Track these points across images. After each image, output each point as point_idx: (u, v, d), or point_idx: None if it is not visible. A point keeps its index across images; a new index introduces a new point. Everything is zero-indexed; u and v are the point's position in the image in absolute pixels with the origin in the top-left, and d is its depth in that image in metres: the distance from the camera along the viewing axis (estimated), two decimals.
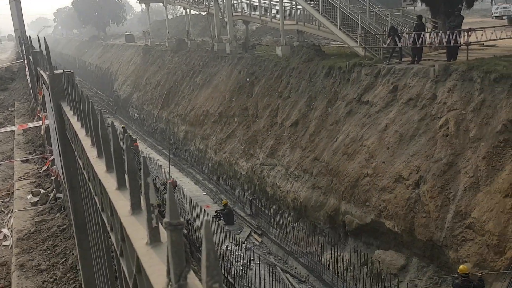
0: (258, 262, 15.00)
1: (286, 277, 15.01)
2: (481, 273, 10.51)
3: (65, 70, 3.78)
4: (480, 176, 11.70)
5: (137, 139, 31.89)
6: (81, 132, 2.71)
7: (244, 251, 16.61)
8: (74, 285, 5.92)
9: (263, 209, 20.05)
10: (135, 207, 1.27)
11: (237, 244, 17.32)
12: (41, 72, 5.76)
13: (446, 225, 11.88)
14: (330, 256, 15.31)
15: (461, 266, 10.34)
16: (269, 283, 13.26)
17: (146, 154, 28.93)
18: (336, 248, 15.76)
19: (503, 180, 11.12)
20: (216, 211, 19.97)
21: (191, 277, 0.85)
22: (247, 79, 26.01)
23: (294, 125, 20.82)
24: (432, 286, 12.33)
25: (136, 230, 1.15)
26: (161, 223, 0.96)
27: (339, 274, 14.29)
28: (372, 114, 16.63)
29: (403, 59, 17.85)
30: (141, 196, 1.17)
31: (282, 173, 20.13)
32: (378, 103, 16.61)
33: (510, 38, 16.36)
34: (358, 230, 15.26)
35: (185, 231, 16.15)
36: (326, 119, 19.09)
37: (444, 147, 13.08)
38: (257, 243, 17.87)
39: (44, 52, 5.04)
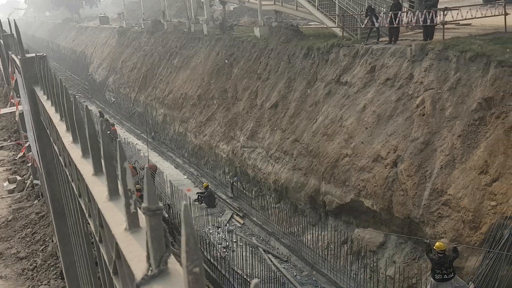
0: (241, 244, 15.15)
1: (269, 257, 15.21)
2: (456, 244, 10.87)
3: (37, 54, 3.67)
4: (456, 154, 11.98)
5: (114, 123, 31.39)
6: (55, 117, 2.64)
7: (226, 233, 16.73)
8: (54, 272, 5.86)
9: (244, 191, 20.16)
10: (113, 193, 1.25)
11: (219, 227, 17.43)
12: (13, 56, 5.57)
13: (423, 203, 12.18)
14: (311, 235, 15.57)
15: (437, 243, 10.66)
16: (252, 264, 13.43)
17: (124, 138, 28.56)
18: (317, 228, 16.01)
19: (478, 157, 11.41)
20: (197, 193, 19.98)
21: (172, 261, 0.85)
22: (226, 61, 25.77)
23: (274, 107, 20.82)
24: (410, 262, 12.70)
25: (114, 216, 1.13)
26: (140, 208, 0.94)
27: (320, 253, 14.56)
28: (350, 95, 16.75)
29: (380, 39, 17.93)
30: (118, 181, 1.15)
31: (263, 155, 20.20)
32: (356, 84, 16.72)
33: (485, 17, 16.58)
34: (338, 210, 15.52)
35: (166, 215, 16.16)
36: (306, 100, 19.14)
37: (421, 126, 13.31)
38: (239, 225, 18.01)
39: (15, 35, 4.86)
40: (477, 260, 10.63)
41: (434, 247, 10.72)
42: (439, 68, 13.81)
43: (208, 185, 20.24)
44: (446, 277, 10.41)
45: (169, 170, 24.02)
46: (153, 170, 22.36)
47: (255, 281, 0.57)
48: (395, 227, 13.41)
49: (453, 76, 13.27)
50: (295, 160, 18.01)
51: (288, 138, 19.06)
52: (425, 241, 11.22)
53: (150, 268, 0.83)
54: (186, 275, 0.67)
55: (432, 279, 10.75)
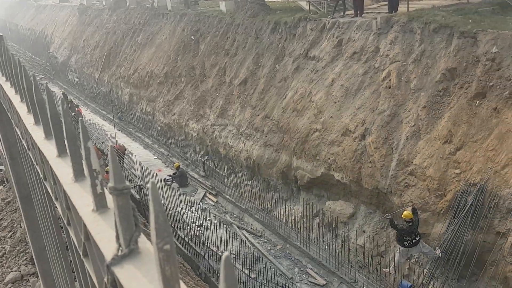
0: (215, 222, 15.20)
1: (243, 233, 15.40)
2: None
3: None
4: (421, 124, 12.31)
5: (79, 104, 30.46)
6: (15, 99, 2.52)
7: (200, 212, 16.75)
8: (24, 257, 5.74)
9: (216, 169, 20.15)
10: (78, 174, 1.21)
11: (193, 206, 17.43)
12: None
13: (390, 173, 12.53)
14: (284, 210, 15.82)
15: (405, 212, 11.06)
16: (226, 241, 13.55)
17: (90, 120, 27.83)
18: (289, 203, 16.27)
19: (442, 127, 11.77)
20: (168, 175, 19.84)
21: (142, 240, 0.83)
22: (192, 37, 25.25)
23: (243, 84, 20.69)
24: (379, 230, 13.14)
25: (81, 197, 1.10)
26: (107, 188, 0.91)
27: (293, 227, 14.85)
28: (319, 70, 16.83)
29: (346, 13, 17.97)
30: (83, 162, 1.11)
31: (234, 132, 20.17)
32: (324, 58, 16.79)
33: None
34: (309, 184, 15.79)
35: (137, 196, 15.98)
36: (275, 76, 19.10)
37: (387, 99, 13.57)
38: (213, 203, 18.06)
39: None
40: (442, 227, 11.10)
41: (402, 216, 11.12)
42: (404, 41, 14.02)
43: (179, 165, 20.10)
44: (415, 241, 10.88)
45: (138, 151, 23.65)
46: (122, 151, 21.96)
47: (225, 254, 0.56)
48: (365, 198, 13.79)
49: (418, 48, 13.51)
50: (266, 136, 18.09)
51: (258, 115, 19.06)
52: (387, 217, 11.52)
53: (120, 248, 0.82)
54: (156, 253, 0.66)
55: (401, 247, 11.17)
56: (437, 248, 10.93)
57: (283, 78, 18.57)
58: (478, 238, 10.30)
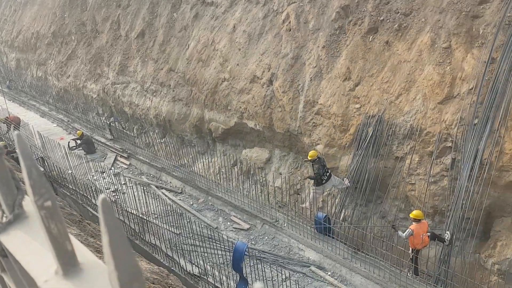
0: (131, 185, 14.74)
1: (162, 192, 15.19)
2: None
3: None
4: (322, 65, 12.68)
5: None
6: None
7: (113, 177, 16.07)
8: None
9: (124, 131, 19.27)
10: None
11: (104, 172, 16.65)
12: None
13: (299, 115, 12.94)
14: (202, 164, 15.78)
15: (310, 152, 11.72)
16: (146, 202, 13.28)
17: None
18: (206, 156, 16.25)
19: (340, 65, 12.24)
20: (72, 139, 18.59)
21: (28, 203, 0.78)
22: None
23: (141, 36, 19.51)
24: (294, 170, 13.73)
25: None
26: None
27: (213, 179, 14.95)
28: (219, 16, 16.34)
29: None
30: None
31: (138, 90, 19.23)
32: (222, 3, 16.28)
33: None
34: (224, 135, 15.81)
35: (42, 169, 14.82)
36: (174, 25, 18.22)
37: (289, 42, 13.68)
38: (126, 167, 17.42)
39: None
40: (348, 159, 11.88)
41: (308, 157, 11.76)
42: None
43: (82, 133, 18.84)
44: (327, 176, 11.59)
45: (35, 121, 21.71)
46: (16, 122, 20.02)
47: (101, 196, 0.53)
48: (278, 142, 14.20)
49: None
50: (173, 91, 17.52)
51: (162, 69, 18.28)
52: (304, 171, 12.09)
53: (4, 215, 0.78)
54: (37, 211, 0.63)
55: (316, 187, 11.84)
56: (345, 178, 11.76)
57: (183, 27, 17.79)
58: (380, 165, 11.21)
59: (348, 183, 11.62)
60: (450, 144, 9.87)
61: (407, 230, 9.58)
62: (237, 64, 14.88)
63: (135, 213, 13.54)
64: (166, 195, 14.86)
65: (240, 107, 14.66)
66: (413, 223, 9.53)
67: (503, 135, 9.00)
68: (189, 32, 17.47)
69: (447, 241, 9.52)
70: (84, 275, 0.62)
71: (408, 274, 9.86)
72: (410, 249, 9.79)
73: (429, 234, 9.55)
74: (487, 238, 9.58)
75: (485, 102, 9.45)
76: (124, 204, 14.10)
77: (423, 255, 9.93)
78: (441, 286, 9.42)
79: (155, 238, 11.81)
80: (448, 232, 9.58)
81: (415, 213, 9.56)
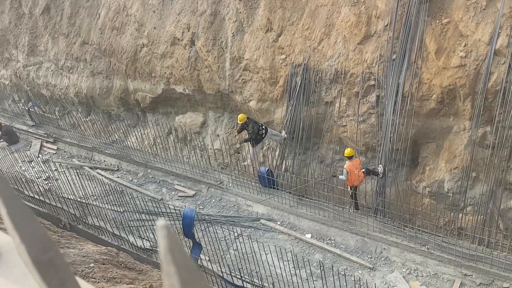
0: (63, 170, 13.98)
1: (98, 172, 14.59)
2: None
3: None
4: (242, 18, 12.41)
5: None
6: None
7: (42, 164, 15.13)
8: None
9: (46, 114, 18.03)
10: None
11: (32, 161, 15.61)
12: None
13: (227, 73, 12.74)
14: (135, 137, 15.25)
15: (239, 116, 11.71)
16: (82, 185, 12.71)
17: None
18: (138, 128, 15.70)
19: (261, 17, 12.05)
20: None
21: None
22: None
23: (46, 12, 17.93)
24: (231, 130, 13.69)
25: None
26: None
27: (149, 150, 14.55)
28: None
29: None
30: None
31: (53, 69, 17.90)
32: None
33: None
34: (153, 104, 15.27)
35: None
36: None
37: None
38: (54, 152, 16.45)
39: None
40: (282, 111, 12.01)
41: (238, 122, 11.78)
42: None
43: (0, 123, 17.38)
44: (264, 132, 11.67)
45: None
46: None
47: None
48: (210, 104, 13.98)
49: None
50: (91, 65, 16.49)
51: (74, 43, 17.05)
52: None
53: None
54: None
55: (253, 147, 11.90)
56: (282, 130, 11.93)
57: None
58: (312, 112, 11.45)
59: (285, 134, 11.80)
60: (373, 82, 10.24)
61: (343, 172, 10.10)
62: (154, 28, 14.20)
63: (72, 198, 12.97)
64: (102, 175, 14.30)
65: (165, 72, 14.15)
66: (347, 161, 10.05)
67: (420, 66, 9.47)
68: (98, 0, 16.28)
69: (380, 173, 10.11)
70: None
71: (350, 210, 10.43)
72: (349, 187, 10.30)
73: (363, 170, 10.07)
74: (416, 165, 10.28)
75: (400, 36, 9.81)
76: (60, 191, 13.43)
77: (360, 190, 10.49)
78: (380, 216, 10.07)
79: (99, 220, 11.44)
80: (380, 165, 10.15)
81: (347, 151, 10.12)
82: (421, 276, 8.69)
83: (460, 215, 9.36)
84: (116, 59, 15.52)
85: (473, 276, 8.32)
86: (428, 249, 8.87)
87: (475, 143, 9.04)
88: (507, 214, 9.00)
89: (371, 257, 9.36)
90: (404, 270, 8.89)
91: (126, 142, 15.22)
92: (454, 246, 8.59)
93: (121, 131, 15.56)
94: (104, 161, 15.15)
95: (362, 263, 9.18)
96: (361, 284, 8.29)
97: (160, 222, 0.42)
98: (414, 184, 10.14)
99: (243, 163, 12.89)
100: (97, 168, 14.81)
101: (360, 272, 9.04)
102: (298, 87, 11.41)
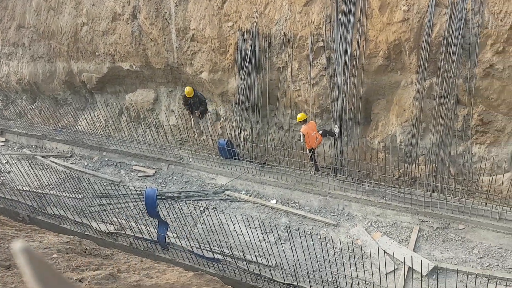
0: (14, 162, 13.34)
1: (51, 160, 14.04)
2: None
3: None
4: None
5: None
6: None
7: None
8: None
9: None
10: None
11: None
12: None
13: (174, 46, 12.37)
14: (85, 121, 14.69)
15: (186, 90, 11.50)
16: (36, 175, 12.22)
17: None
18: (87, 111, 15.12)
19: None
20: None
21: None
22: None
23: None
24: (183, 105, 13.43)
25: None
26: None
27: (102, 133, 14.09)
28: None
29: None
30: None
31: None
32: None
33: None
34: (100, 84, 14.69)
35: None
36: None
37: None
38: (2, 144, 15.63)
39: None
40: (235, 80, 11.87)
41: (186, 95, 11.62)
42: None
43: None
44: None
45: None
46: None
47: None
48: (160, 79, 13.60)
49: None
50: (30, 49, 15.54)
51: (9, 28, 15.95)
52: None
53: None
54: None
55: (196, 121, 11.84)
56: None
57: None
58: (265, 79, 11.40)
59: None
60: (322, 44, 10.26)
61: (300, 135, 10.23)
62: (93, 4, 13.46)
63: (28, 189, 12.48)
64: (55, 163, 13.79)
65: (109, 50, 13.56)
66: (302, 125, 10.16)
67: (366, 24, 9.55)
68: None
69: (337, 134, 10.31)
70: None
71: (311, 172, 10.64)
72: (308, 150, 10.46)
73: (320, 132, 10.23)
74: (370, 122, 10.54)
75: None
76: (14, 184, 12.87)
77: (319, 152, 10.69)
78: (339, 174, 10.35)
79: (58, 209, 11.11)
80: (336, 126, 10.34)
81: (299, 116, 10.26)
82: (382, 227, 9.09)
83: (414, 165, 9.78)
84: (56, 40, 14.69)
85: (430, 222, 8.80)
86: (386, 201, 9.25)
87: (422, 95, 9.35)
88: (457, 160, 9.48)
89: (334, 215, 9.67)
90: (365, 223, 9.26)
91: (76, 127, 14.65)
92: (410, 195, 9.00)
93: (70, 116, 14.94)
94: (56, 148, 14.58)
95: (326, 221, 9.48)
96: (326, 241, 8.59)
97: (18, 244, 0.36)
98: (369, 140, 10.44)
99: (201, 137, 12.77)
100: (50, 156, 14.25)
101: (325, 230, 9.34)
102: (249, 55, 11.27)
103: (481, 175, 9.10)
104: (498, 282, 7.32)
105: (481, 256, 8.04)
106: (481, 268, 7.78)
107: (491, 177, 8.93)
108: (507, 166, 9.04)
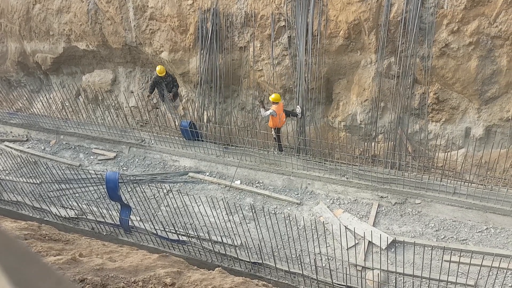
0: None
1: (5, 145, 13.43)
2: None
3: None
4: None
5: None
6: None
7: None
8: None
9: None
10: None
11: None
12: None
13: (132, 24, 11.98)
14: (40, 103, 14.09)
15: (157, 69, 11.23)
16: None
17: None
18: (43, 93, 14.51)
19: None
20: None
21: None
22: None
23: None
24: (145, 85, 13.13)
25: None
26: None
27: (59, 115, 13.57)
28: None
29: None
30: None
31: None
32: None
33: None
34: (55, 65, 14.08)
35: None
36: None
37: None
38: None
39: None
40: (196, 60, 11.67)
41: (158, 74, 11.37)
42: None
43: None
44: (176, 83, 11.41)
45: None
46: None
47: None
48: (119, 59, 13.19)
49: None
50: None
51: None
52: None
53: None
54: None
55: (167, 101, 11.59)
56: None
57: None
58: (227, 59, 11.28)
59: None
60: (284, 23, 10.23)
61: (269, 110, 10.07)
62: None
63: None
64: (11, 147, 13.21)
65: (64, 29, 12.97)
66: (273, 105, 10.08)
67: (326, 3, 9.58)
68: None
69: (299, 114, 10.39)
70: None
71: (275, 152, 10.72)
72: (272, 129, 10.50)
73: (284, 112, 10.27)
74: (331, 102, 10.70)
75: None
76: None
77: (282, 132, 10.77)
78: (302, 154, 10.50)
79: (15, 195, 10.70)
80: (298, 106, 10.41)
81: (274, 96, 10.02)
82: (343, 204, 9.35)
83: (373, 143, 10.04)
84: (7, 19, 13.89)
85: (389, 197, 9.12)
86: (347, 178, 9.49)
87: (381, 75, 9.55)
88: (414, 137, 9.82)
89: (297, 194, 9.83)
90: (328, 200, 9.49)
91: (32, 110, 14.03)
92: (370, 173, 9.27)
93: (25, 98, 14.27)
94: (11, 132, 13.95)
95: (290, 200, 9.63)
96: (290, 219, 8.74)
97: None
98: (330, 120, 10.61)
99: (163, 118, 12.55)
100: (4, 141, 13.62)
101: (289, 208, 9.50)
102: (210, 34, 11.09)
103: (437, 152, 9.47)
104: (452, 253, 7.72)
105: (436, 229, 8.43)
106: (436, 241, 8.17)
107: (446, 153, 9.32)
108: (461, 143, 9.45)
